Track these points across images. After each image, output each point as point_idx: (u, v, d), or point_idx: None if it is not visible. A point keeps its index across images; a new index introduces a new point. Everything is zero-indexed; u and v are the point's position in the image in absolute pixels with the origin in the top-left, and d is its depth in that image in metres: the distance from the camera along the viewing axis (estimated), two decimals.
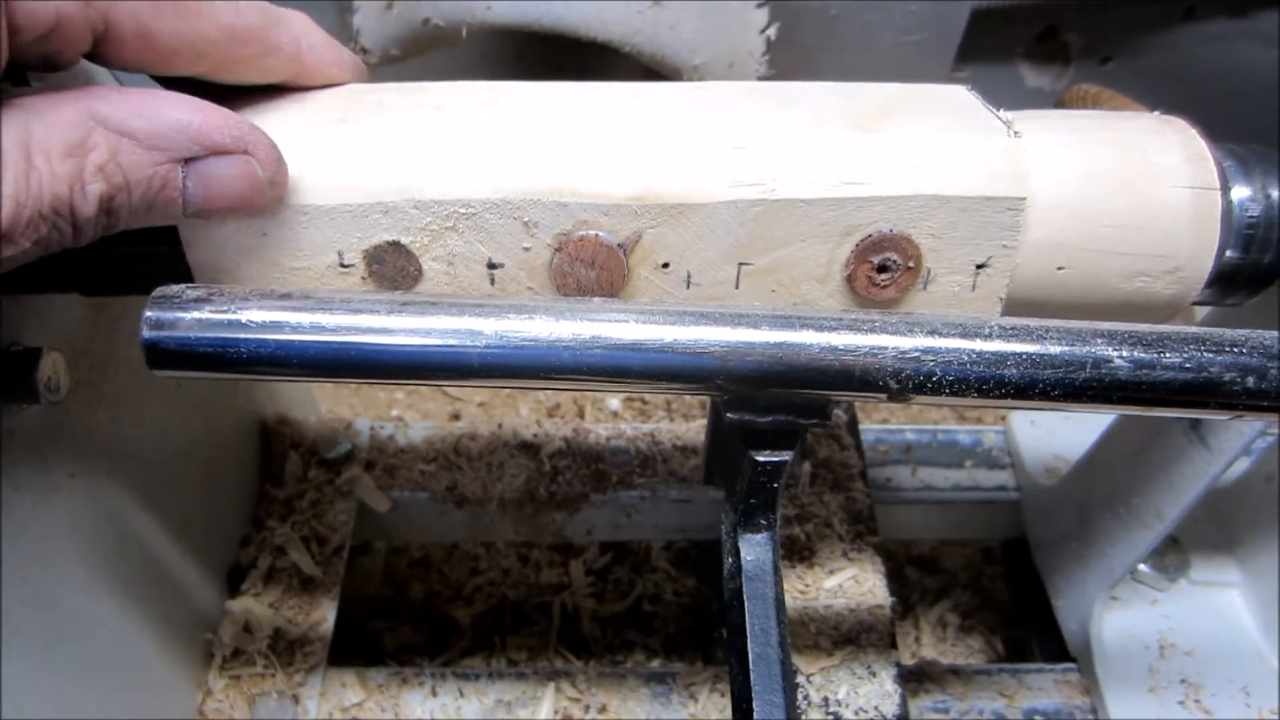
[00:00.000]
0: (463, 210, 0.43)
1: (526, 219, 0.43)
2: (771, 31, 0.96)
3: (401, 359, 0.41)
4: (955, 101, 0.48)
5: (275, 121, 0.44)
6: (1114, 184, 0.45)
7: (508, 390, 1.27)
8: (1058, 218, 0.46)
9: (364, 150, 0.43)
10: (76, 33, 0.37)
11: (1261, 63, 1.29)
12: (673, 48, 0.93)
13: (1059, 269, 0.46)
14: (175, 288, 0.42)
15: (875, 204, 0.43)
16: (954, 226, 0.44)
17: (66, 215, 0.37)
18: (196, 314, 0.40)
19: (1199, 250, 0.47)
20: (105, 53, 0.40)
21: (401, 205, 0.43)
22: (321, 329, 0.40)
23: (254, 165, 0.41)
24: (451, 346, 0.41)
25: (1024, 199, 0.44)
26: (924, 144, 0.44)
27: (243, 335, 0.40)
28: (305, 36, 0.46)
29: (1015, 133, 0.46)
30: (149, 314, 0.40)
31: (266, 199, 0.42)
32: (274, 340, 0.40)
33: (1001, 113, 0.48)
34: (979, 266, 0.45)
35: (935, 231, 0.44)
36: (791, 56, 1.05)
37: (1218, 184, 0.47)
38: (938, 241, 0.45)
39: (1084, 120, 0.48)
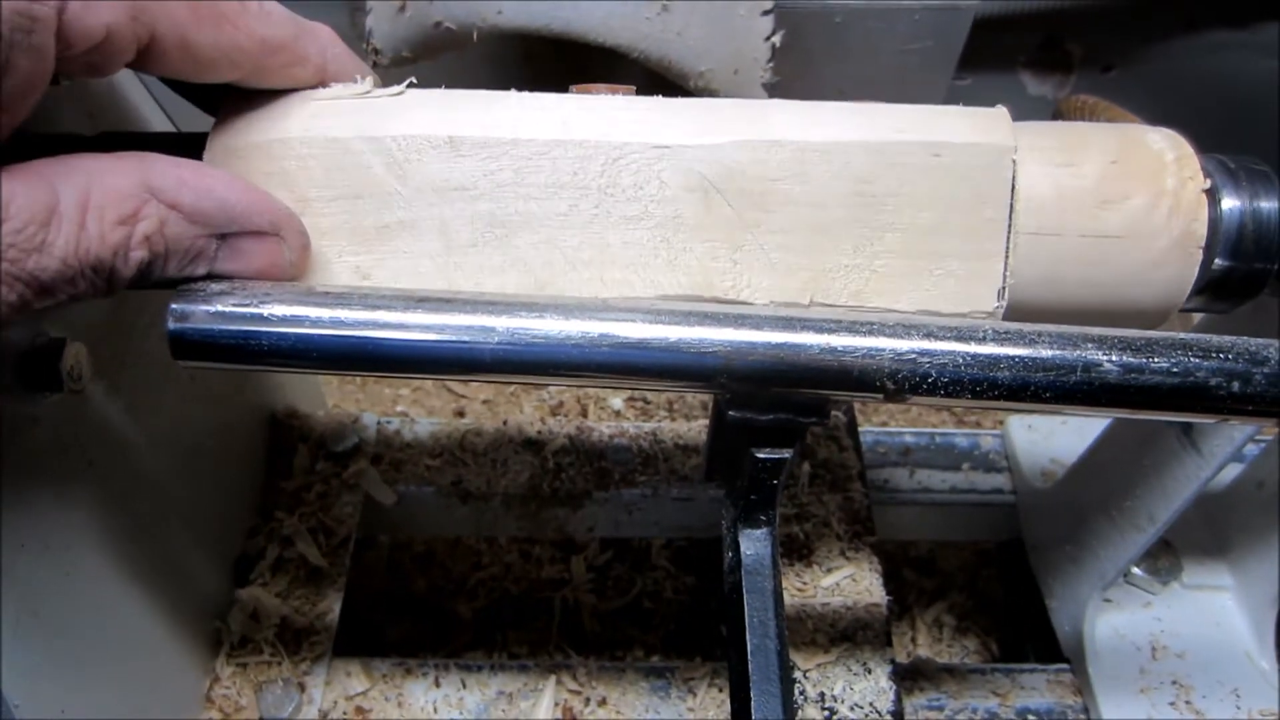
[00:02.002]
0: None
1: None
2: (776, 39, 0.98)
3: (416, 354, 0.42)
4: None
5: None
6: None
7: (512, 388, 1.29)
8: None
9: None
10: (124, 44, 0.39)
11: (1261, 72, 1.31)
12: (679, 54, 0.95)
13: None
14: (200, 282, 0.43)
15: None
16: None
17: (105, 275, 0.39)
18: (220, 307, 0.42)
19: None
20: (146, 62, 0.41)
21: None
22: (340, 323, 0.42)
23: (283, 248, 0.44)
24: (465, 342, 0.42)
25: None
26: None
27: (264, 328, 0.42)
28: (330, 48, 0.48)
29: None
30: (174, 306, 0.42)
31: (286, 276, 0.45)
32: (294, 334, 0.42)
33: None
34: None
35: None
36: (796, 63, 1.06)
37: (1207, 194, 0.48)
38: None
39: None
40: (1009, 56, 1.33)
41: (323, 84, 0.48)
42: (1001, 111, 0.49)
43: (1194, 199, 0.48)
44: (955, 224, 0.48)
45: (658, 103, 0.49)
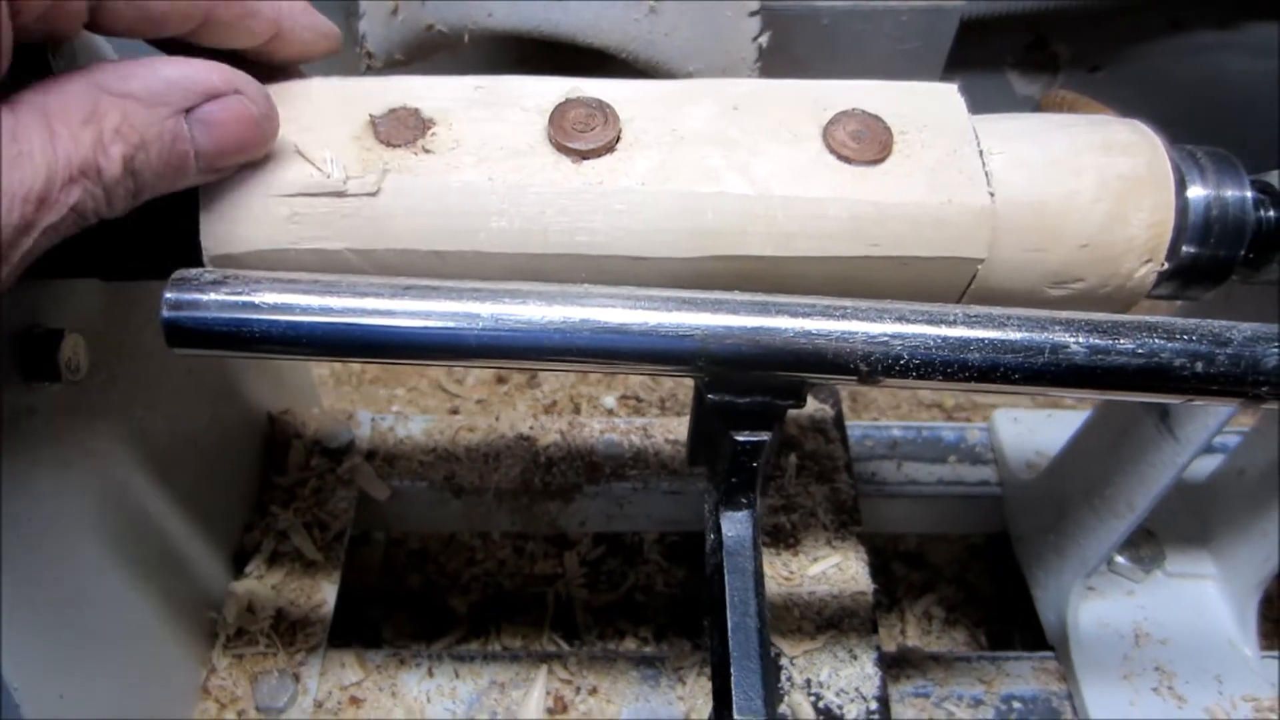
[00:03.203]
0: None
1: None
2: (764, 39, 0.99)
3: (403, 339, 0.43)
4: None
5: None
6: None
7: (506, 389, 1.30)
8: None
9: None
10: (74, 7, 0.41)
11: (1246, 73, 1.32)
12: (667, 54, 0.96)
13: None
14: (193, 271, 0.44)
15: None
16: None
17: (94, 178, 0.40)
18: (213, 295, 0.43)
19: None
20: (101, 22, 0.43)
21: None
22: (329, 310, 0.43)
23: (245, 101, 0.44)
24: (450, 329, 0.43)
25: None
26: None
27: (255, 316, 0.43)
28: (285, 3, 0.49)
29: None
30: (168, 294, 0.43)
31: (265, 134, 0.46)
32: (285, 321, 0.43)
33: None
34: None
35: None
36: (783, 64, 1.08)
37: (1174, 183, 0.50)
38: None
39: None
40: (996, 57, 1.35)
41: (279, 37, 0.49)
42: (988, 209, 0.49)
43: (1145, 280, 0.50)
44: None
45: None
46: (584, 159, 0.47)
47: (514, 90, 0.50)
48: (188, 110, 0.43)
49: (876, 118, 0.49)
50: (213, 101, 0.43)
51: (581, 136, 0.47)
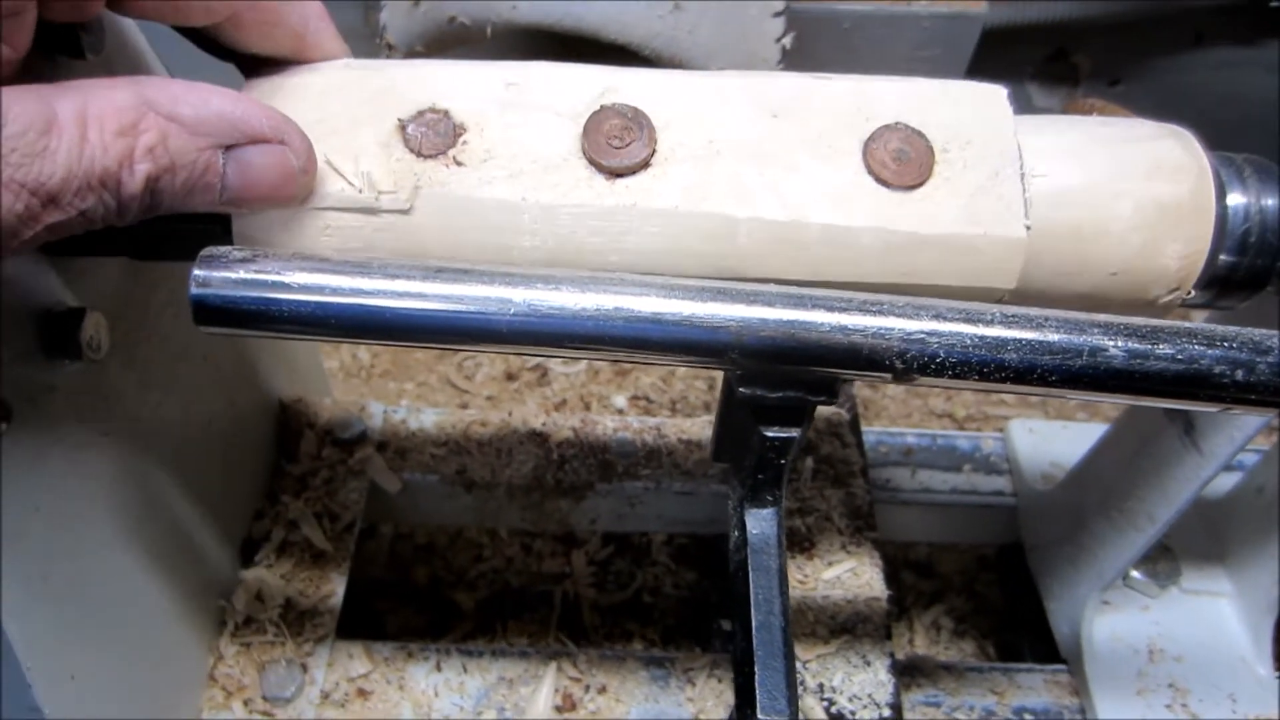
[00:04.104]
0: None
1: None
2: (787, 40, 0.99)
3: (435, 323, 0.43)
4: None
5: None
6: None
7: (516, 385, 1.29)
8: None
9: None
10: None
11: (1268, 90, 1.32)
12: (690, 52, 0.96)
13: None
14: (221, 249, 0.44)
15: None
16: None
17: (113, 190, 0.39)
18: (242, 273, 0.43)
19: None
20: (122, 3, 0.43)
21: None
22: (360, 292, 0.43)
23: (288, 154, 0.44)
24: (482, 313, 0.43)
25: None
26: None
27: (285, 295, 0.42)
28: (314, 22, 0.48)
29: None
30: (197, 272, 0.43)
31: (298, 188, 0.45)
32: (314, 301, 0.42)
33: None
34: None
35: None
36: (805, 66, 1.07)
37: (1214, 189, 0.49)
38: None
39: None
40: (1016, 67, 1.34)
41: (299, 54, 0.48)
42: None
43: (1170, 305, 0.50)
44: None
45: None
46: (618, 177, 0.47)
47: (546, 88, 0.49)
48: (228, 146, 0.42)
49: (920, 134, 0.48)
50: (256, 146, 0.43)
51: (617, 153, 0.47)
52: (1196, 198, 0.49)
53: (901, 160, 0.47)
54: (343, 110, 0.48)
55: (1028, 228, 0.47)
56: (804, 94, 0.50)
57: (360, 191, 0.46)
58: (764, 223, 0.46)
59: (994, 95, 0.50)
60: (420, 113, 0.48)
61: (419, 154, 0.47)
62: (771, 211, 0.46)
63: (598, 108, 0.48)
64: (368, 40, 1.11)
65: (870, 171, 0.47)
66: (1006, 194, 0.47)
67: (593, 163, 0.47)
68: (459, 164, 0.47)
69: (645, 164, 0.47)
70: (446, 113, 0.48)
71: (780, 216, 0.46)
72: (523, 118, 0.48)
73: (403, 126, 0.47)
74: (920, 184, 0.47)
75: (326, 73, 0.50)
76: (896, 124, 0.48)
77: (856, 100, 0.49)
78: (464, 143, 0.47)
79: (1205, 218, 0.49)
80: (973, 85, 0.51)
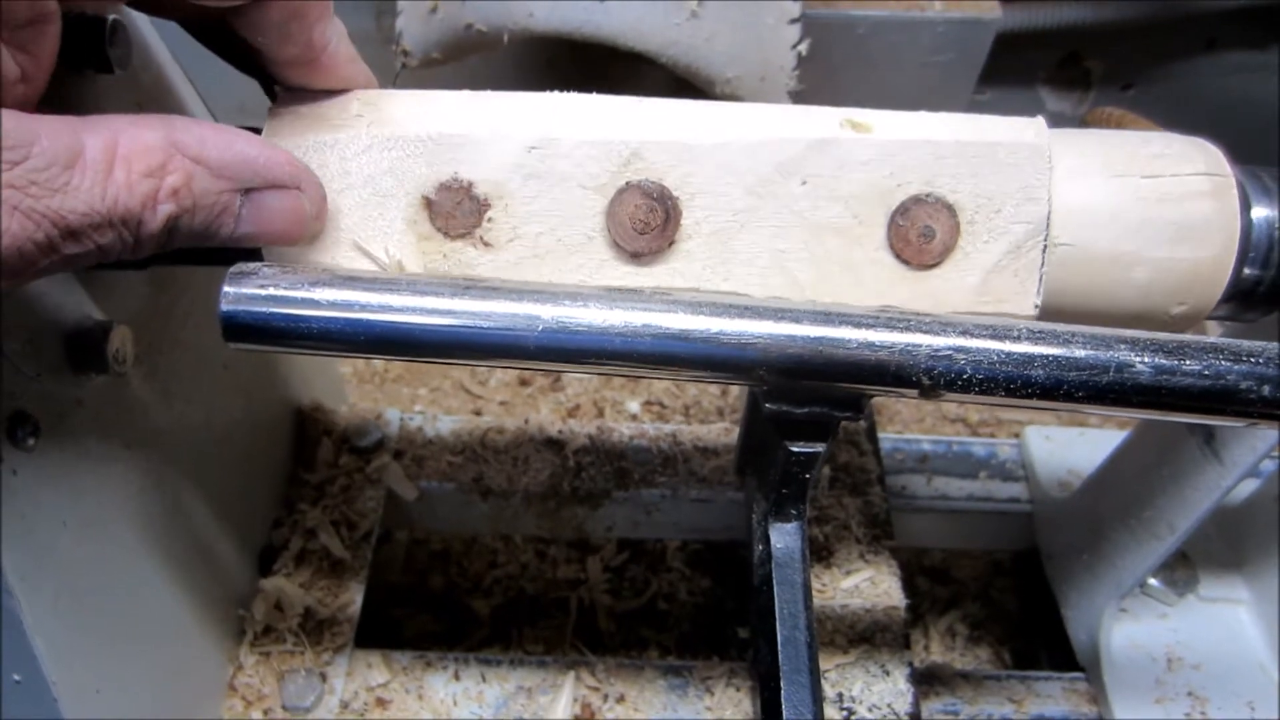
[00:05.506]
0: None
1: None
2: (803, 47, 0.99)
3: (464, 340, 0.43)
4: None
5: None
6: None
7: (529, 391, 1.29)
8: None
9: None
10: None
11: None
12: (707, 60, 0.96)
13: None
14: (251, 265, 0.44)
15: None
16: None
17: (133, 229, 0.40)
18: (272, 290, 0.43)
19: (1217, 265, 0.49)
20: None
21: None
22: (389, 309, 0.43)
23: (303, 201, 0.45)
24: (511, 330, 0.43)
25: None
26: None
27: (314, 312, 0.43)
28: (336, 41, 0.48)
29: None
30: (227, 289, 0.43)
31: (307, 234, 0.46)
32: (344, 318, 0.43)
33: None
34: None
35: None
36: (820, 72, 1.08)
37: (1239, 202, 0.49)
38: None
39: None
40: (1029, 72, 1.34)
41: (316, 72, 0.48)
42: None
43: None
44: None
45: None
46: (640, 258, 0.48)
47: (570, 155, 0.48)
48: (247, 190, 0.43)
49: (949, 206, 0.47)
50: (274, 191, 0.44)
51: (640, 237, 0.47)
52: (1218, 261, 0.49)
53: (927, 238, 0.47)
54: (366, 178, 0.48)
55: (1037, 306, 0.48)
56: (834, 153, 0.48)
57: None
58: (778, 299, 0.48)
59: (1036, 156, 0.48)
60: (444, 185, 0.48)
61: (446, 234, 0.48)
62: (786, 290, 0.48)
63: (622, 184, 0.47)
64: (381, 46, 1.11)
65: (892, 248, 0.48)
66: (1024, 270, 0.48)
67: (615, 244, 0.48)
68: (486, 244, 0.48)
69: (669, 243, 0.48)
70: (470, 186, 0.48)
71: (794, 295, 0.48)
72: (546, 189, 0.48)
73: (428, 203, 0.48)
74: (939, 263, 0.48)
75: (345, 129, 0.49)
76: (928, 196, 0.48)
77: (889, 165, 0.48)
78: (489, 220, 0.48)
79: (1220, 279, 0.49)
80: (1015, 132, 0.49)
